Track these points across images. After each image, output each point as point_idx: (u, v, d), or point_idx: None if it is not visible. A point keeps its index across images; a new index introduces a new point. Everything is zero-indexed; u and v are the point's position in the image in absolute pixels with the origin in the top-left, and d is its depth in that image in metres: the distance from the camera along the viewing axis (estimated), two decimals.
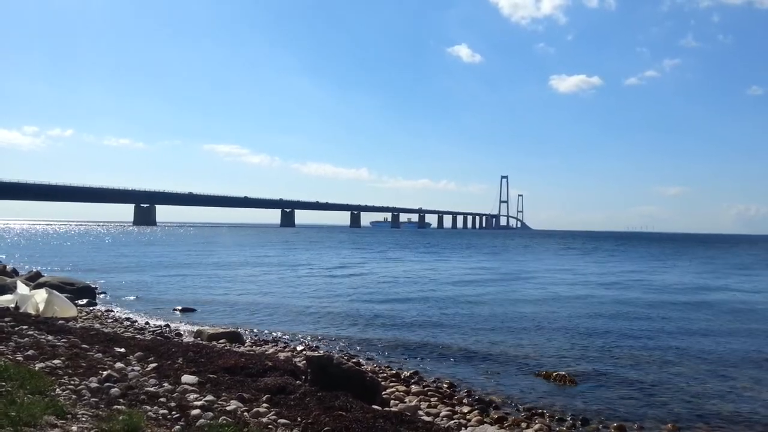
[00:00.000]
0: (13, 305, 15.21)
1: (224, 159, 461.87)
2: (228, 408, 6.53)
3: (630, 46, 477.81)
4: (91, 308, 18.18)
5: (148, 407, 6.24)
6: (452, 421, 8.06)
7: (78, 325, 13.38)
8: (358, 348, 13.55)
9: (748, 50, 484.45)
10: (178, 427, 5.74)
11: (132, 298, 21.90)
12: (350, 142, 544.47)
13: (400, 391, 9.50)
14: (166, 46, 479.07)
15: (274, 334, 15.06)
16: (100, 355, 9.07)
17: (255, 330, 15.60)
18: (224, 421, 5.91)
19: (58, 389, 6.47)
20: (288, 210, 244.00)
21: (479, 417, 8.41)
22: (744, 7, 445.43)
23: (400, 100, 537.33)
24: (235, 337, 13.42)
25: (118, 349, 9.71)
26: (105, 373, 7.50)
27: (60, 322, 13.24)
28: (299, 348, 12.97)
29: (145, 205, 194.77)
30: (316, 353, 11.21)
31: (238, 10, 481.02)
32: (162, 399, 6.64)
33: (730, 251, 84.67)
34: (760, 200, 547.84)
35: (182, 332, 14.65)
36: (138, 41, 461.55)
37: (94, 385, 6.85)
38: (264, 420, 6.25)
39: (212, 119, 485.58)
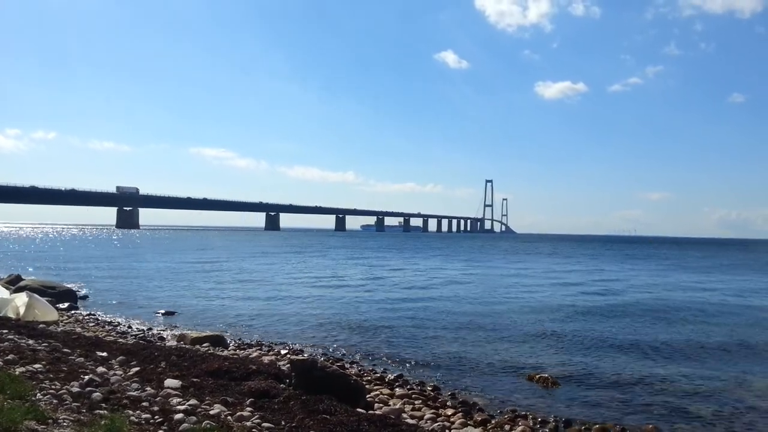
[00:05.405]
0: None
1: (211, 162, 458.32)
2: (211, 412, 6.50)
3: (614, 53, 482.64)
4: (73, 312, 17.97)
5: (131, 412, 6.20)
6: (436, 424, 8.10)
7: (59, 329, 13.24)
8: (342, 352, 13.53)
9: (729, 58, 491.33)
10: (161, 431, 5.71)
11: (114, 301, 21.67)
12: (337, 146, 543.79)
13: (384, 395, 9.51)
14: (152, 48, 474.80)
15: (258, 338, 15.00)
16: (81, 359, 8.98)
17: (239, 334, 15.52)
18: (208, 426, 5.88)
19: (38, 394, 6.40)
20: (273, 213, 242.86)
21: (463, 419, 8.46)
22: (726, 17, 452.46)
23: (387, 104, 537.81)
24: (218, 341, 13.36)
25: (100, 354, 9.63)
26: (87, 377, 7.43)
27: (41, 326, 13.09)
28: (283, 352, 12.93)
29: (128, 209, 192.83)
30: (300, 357, 11.20)
31: (226, 13, 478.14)
32: (145, 403, 6.60)
33: (718, 254, 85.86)
34: (741, 205, 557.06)
35: (165, 336, 14.55)
36: (124, 43, 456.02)
37: (75, 389, 6.79)
38: (248, 424, 6.23)
39: (199, 122, 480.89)
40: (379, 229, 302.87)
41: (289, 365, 9.16)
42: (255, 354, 12.35)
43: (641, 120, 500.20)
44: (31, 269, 33.41)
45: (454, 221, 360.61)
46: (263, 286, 28.77)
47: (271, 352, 12.82)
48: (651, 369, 12.18)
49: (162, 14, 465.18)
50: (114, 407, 6.30)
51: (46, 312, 15.15)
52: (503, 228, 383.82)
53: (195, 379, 8.10)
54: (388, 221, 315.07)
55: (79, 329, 14.13)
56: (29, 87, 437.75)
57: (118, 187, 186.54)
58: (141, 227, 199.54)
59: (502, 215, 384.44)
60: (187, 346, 12.12)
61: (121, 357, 9.48)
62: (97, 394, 6.67)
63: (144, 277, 31.92)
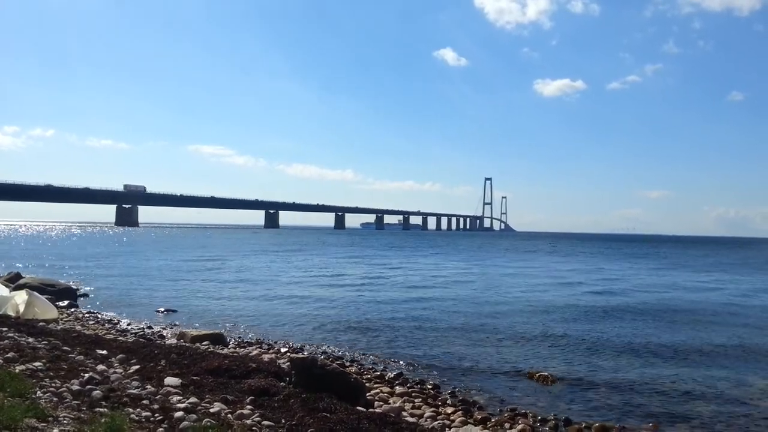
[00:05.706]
0: None
1: (209, 160, 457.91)
2: (212, 410, 6.50)
3: (613, 51, 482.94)
4: (73, 310, 17.95)
5: (131, 410, 6.19)
6: (436, 422, 8.10)
7: (59, 327, 13.23)
8: (342, 350, 13.54)
9: (728, 56, 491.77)
10: (161, 429, 5.71)
11: (114, 299, 21.67)
12: (336, 144, 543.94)
13: (384, 393, 9.52)
14: (150, 46, 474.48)
15: (258, 336, 15.00)
16: (81, 357, 8.97)
17: (238, 332, 15.53)
18: (208, 423, 5.88)
19: (39, 392, 6.40)
20: (272, 211, 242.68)
21: (463, 417, 8.47)
22: (724, 15, 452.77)
23: (386, 102, 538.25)
24: (218, 339, 13.36)
25: (100, 351, 9.62)
26: (87, 375, 7.44)
27: (41, 324, 13.07)
28: (283, 350, 12.93)
29: (127, 206, 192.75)
30: (300, 355, 11.20)
31: (226, 13, 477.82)
32: (145, 401, 6.59)
33: (717, 253, 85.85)
34: (740, 203, 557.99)
35: (165, 334, 14.54)
36: (122, 40, 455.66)
37: (75, 387, 6.79)
38: (248, 422, 6.23)
39: (197, 120, 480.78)
40: (378, 227, 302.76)
41: (289, 363, 9.16)
42: (255, 352, 12.35)
43: (640, 118, 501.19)
44: (30, 267, 33.41)
45: (454, 219, 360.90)
46: (263, 284, 28.77)
47: (271, 351, 12.82)
48: (651, 369, 12.19)
49: (162, 14, 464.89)
50: (114, 405, 6.30)
51: (46, 310, 15.14)
52: (502, 226, 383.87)
53: (195, 377, 8.09)
54: (388, 219, 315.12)
55: (78, 327, 14.12)
56: (28, 85, 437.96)
57: (125, 185, 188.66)
58: (140, 225, 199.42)
59: (502, 213, 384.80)
60: (187, 345, 12.11)
61: (121, 355, 9.47)
62: (98, 392, 6.67)
63: (144, 275, 31.92)
